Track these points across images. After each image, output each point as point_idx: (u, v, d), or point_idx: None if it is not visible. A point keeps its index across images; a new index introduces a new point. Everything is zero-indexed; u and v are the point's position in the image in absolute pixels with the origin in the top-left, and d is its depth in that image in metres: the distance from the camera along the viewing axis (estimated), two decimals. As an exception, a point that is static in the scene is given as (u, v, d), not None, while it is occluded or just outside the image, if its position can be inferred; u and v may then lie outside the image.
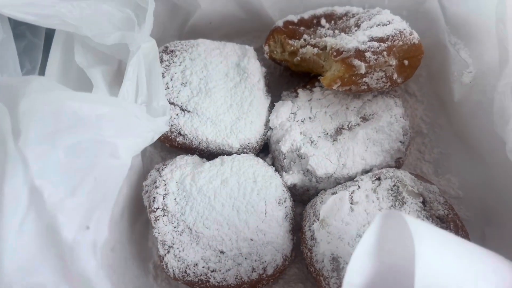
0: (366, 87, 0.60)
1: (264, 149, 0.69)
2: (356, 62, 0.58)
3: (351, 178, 0.61)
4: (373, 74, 0.59)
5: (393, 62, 0.59)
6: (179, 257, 0.56)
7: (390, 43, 0.59)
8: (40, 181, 0.42)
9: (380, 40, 0.59)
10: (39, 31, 0.61)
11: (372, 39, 0.59)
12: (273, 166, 0.65)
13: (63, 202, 0.43)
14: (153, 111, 0.59)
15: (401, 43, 0.60)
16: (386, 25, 0.62)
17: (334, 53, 0.60)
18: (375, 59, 0.58)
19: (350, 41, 0.60)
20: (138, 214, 0.65)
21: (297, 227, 0.62)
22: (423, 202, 0.56)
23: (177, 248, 0.57)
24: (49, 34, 0.63)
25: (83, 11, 0.55)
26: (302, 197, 0.65)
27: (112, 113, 0.48)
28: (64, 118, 0.45)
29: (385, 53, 0.58)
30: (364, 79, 0.59)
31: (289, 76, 0.77)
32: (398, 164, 0.63)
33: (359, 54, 0.58)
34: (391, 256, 0.38)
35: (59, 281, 0.42)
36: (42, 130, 0.43)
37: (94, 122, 0.46)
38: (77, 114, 0.45)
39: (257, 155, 0.67)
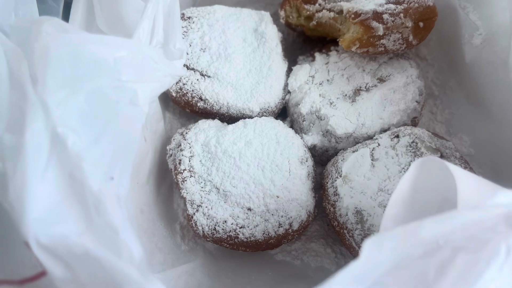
0: (383, 49, 0.62)
1: (282, 113, 0.71)
2: (374, 23, 0.59)
3: (369, 137, 0.63)
4: (390, 36, 0.61)
5: (409, 24, 0.61)
6: (208, 215, 0.58)
7: (406, 5, 0.61)
8: (62, 128, 0.40)
9: (397, 2, 0.61)
10: (57, -3, 0.61)
11: (389, 2, 0.61)
12: (292, 129, 0.67)
13: (87, 151, 0.41)
14: (170, 54, 0.58)
15: (416, 5, 0.61)
16: (401, -12, 0.63)
17: (352, 16, 0.61)
18: (393, 21, 0.59)
19: (367, 4, 0.61)
20: (163, 178, 0.66)
21: (317, 186, 0.64)
22: (441, 157, 0.58)
23: (206, 207, 0.59)
24: (68, 2, 0.63)
25: None
26: (321, 158, 0.67)
27: (130, 56, 0.47)
28: (81, 62, 0.43)
29: (401, 15, 0.60)
30: (381, 41, 0.61)
31: (302, 42, 0.78)
32: (414, 123, 0.65)
33: (377, 16, 0.60)
34: (428, 201, 0.40)
35: (83, 231, 0.39)
36: (60, 75, 0.41)
37: (112, 66, 0.45)
38: (95, 57, 0.44)
39: (275, 119, 0.68)
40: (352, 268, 0.31)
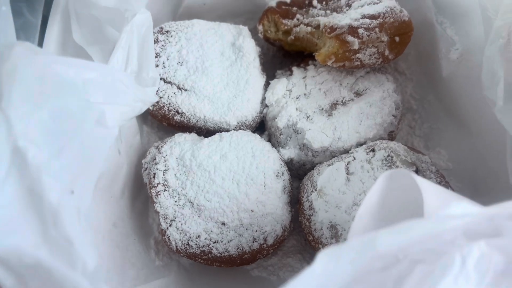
0: (359, 63, 0.62)
1: (259, 127, 0.71)
2: (350, 38, 0.60)
3: (346, 151, 0.63)
4: (366, 50, 0.61)
5: (385, 38, 0.61)
6: (182, 230, 0.57)
7: (381, 20, 0.61)
8: (23, 142, 0.40)
9: (372, 17, 0.61)
10: (36, 10, 0.61)
11: (364, 16, 0.61)
12: (270, 143, 0.66)
13: (47, 164, 0.41)
14: (142, 81, 0.58)
15: (392, 20, 0.62)
16: (376, 4, 0.64)
17: (328, 30, 0.61)
18: (368, 35, 0.60)
19: (343, 19, 0.62)
20: (138, 192, 0.66)
21: (294, 200, 0.64)
22: (416, 171, 0.58)
23: (179, 221, 0.58)
24: (46, 15, 0.63)
25: None
26: (298, 172, 0.67)
27: (99, 79, 0.47)
28: (49, 81, 0.44)
29: (377, 29, 0.60)
30: (357, 55, 0.61)
31: (282, 57, 0.78)
32: (390, 137, 0.65)
33: (352, 30, 0.60)
34: (396, 214, 0.40)
35: (38, 243, 0.39)
36: (26, 92, 0.42)
37: (80, 87, 0.45)
38: (63, 77, 0.44)
39: (253, 132, 0.68)
40: (307, 280, 0.31)
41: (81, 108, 0.45)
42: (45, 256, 0.37)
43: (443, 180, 0.58)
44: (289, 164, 0.66)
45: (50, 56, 0.46)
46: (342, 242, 0.54)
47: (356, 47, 0.60)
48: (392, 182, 0.41)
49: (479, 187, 0.66)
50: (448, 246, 0.36)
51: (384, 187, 0.41)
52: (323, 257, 0.34)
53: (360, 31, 0.60)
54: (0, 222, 0.37)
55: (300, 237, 0.65)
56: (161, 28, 0.69)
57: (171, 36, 0.68)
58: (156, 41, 0.67)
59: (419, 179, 0.38)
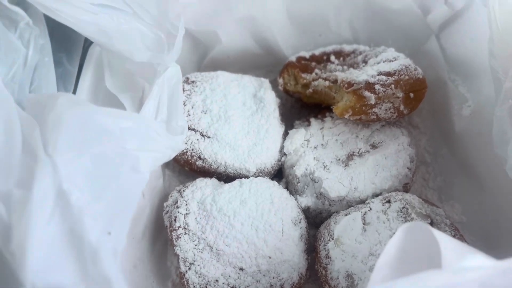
0: (375, 117, 0.65)
1: (277, 175, 0.73)
2: (366, 93, 0.63)
3: (362, 201, 0.65)
4: (381, 105, 0.64)
5: (400, 94, 0.64)
6: (200, 274, 0.59)
7: (397, 77, 0.64)
8: (68, 185, 0.43)
9: (388, 74, 0.65)
10: (74, 60, 0.66)
11: (380, 73, 0.65)
12: (287, 190, 0.68)
13: (88, 206, 0.45)
14: (172, 130, 0.61)
15: (407, 77, 0.65)
16: (392, 61, 0.68)
17: (346, 85, 0.65)
18: (384, 91, 0.63)
19: (360, 75, 0.65)
20: (158, 234, 0.67)
21: (311, 248, 0.65)
22: (431, 223, 0.59)
23: (198, 265, 0.59)
24: (83, 64, 0.68)
25: (120, 25, 0.58)
26: (315, 220, 0.69)
27: (134, 128, 0.51)
28: (90, 130, 0.47)
29: (392, 85, 0.64)
30: (373, 109, 0.64)
31: (300, 108, 0.82)
32: (405, 189, 0.67)
33: (369, 86, 0.63)
34: (414, 266, 0.41)
35: (78, 281, 0.42)
36: (70, 140, 0.45)
37: (118, 135, 0.49)
38: (102, 126, 0.48)
39: (271, 179, 0.70)
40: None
41: (118, 154, 0.48)
42: None
43: (457, 233, 0.59)
44: (306, 212, 0.67)
45: (90, 106, 0.49)
46: (358, 292, 0.55)
47: (372, 102, 0.63)
48: (410, 235, 0.42)
49: (492, 241, 0.67)
50: None
51: (402, 239, 0.42)
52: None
53: (377, 87, 0.63)
54: (42, 259, 0.40)
55: (316, 286, 0.66)
56: (187, 78, 0.74)
57: (196, 86, 0.72)
58: (182, 90, 0.71)
59: (436, 232, 0.40)
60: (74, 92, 0.64)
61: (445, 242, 0.39)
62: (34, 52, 0.59)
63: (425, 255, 0.42)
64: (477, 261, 0.36)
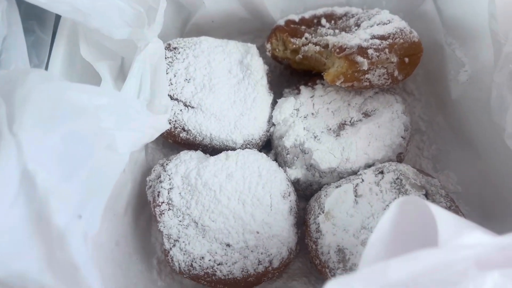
0: (368, 84, 0.61)
1: (266, 146, 0.70)
2: (359, 58, 0.59)
3: (354, 172, 0.62)
4: (375, 71, 0.60)
5: (394, 59, 0.61)
6: (185, 251, 0.56)
7: (391, 41, 0.61)
8: (33, 165, 0.41)
9: (382, 37, 0.61)
10: (47, 27, 0.61)
11: (374, 37, 0.61)
12: (276, 162, 0.65)
13: (56, 188, 0.42)
14: (155, 108, 0.59)
15: (402, 41, 0.61)
16: (386, 24, 0.63)
17: (337, 50, 0.61)
18: (377, 56, 0.59)
19: (352, 39, 0.61)
20: (141, 209, 0.65)
21: (300, 221, 0.62)
22: (426, 195, 0.57)
23: (183, 242, 0.57)
24: (56, 32, 0.63)
25: (95, 1, 0.54)
26: (305, 192, 0.66)
27: (111, 105, 0.48)
28: (61, 106, 0.44)
29: (386, 50, 0.60)
30: (366, 76, 0.60)
31: (289, 75, 0.78)
32: (399, 159, 0.64)
33: (362, 51, 0.59)
34: (409, 242, 0.39)
35: (44, 269, 0.39)
36: (38, 116, 0.43)
37: (92, 113, 0.46)
38: (75, 103, 0.45)
39: (259, 151, 0.67)
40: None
41: (92, 133, 0.45)
42: (50, 282, 0.37)
43: (453, 205, 0.57)
44: (296, 184, 0.65)
45: (63, 82, 0.46)
46: (349, 267, 0.53)
47: (365, 67, 0.59)
48: (405, 209, 0.40)
49: (487, 211, 0.65)
50: (460, 277, 0.35)
51: (396, 214, 0.40)
52: (332, 286, 0.33)
53: (370, 51, 0.59)
54: (5, 246, 0.37)
55: (306, 260, 0.64)
56: (169, 44, 0.69)
57: (179, 52, 0.68)
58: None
59: (433, 207, 0.37)
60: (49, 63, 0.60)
61: (442, 217, 0.37)
62: (1, 25, 0.54)
63: (420, 231, 0.40)
64: (474, 238, 0.34)
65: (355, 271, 0.52)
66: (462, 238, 0.34)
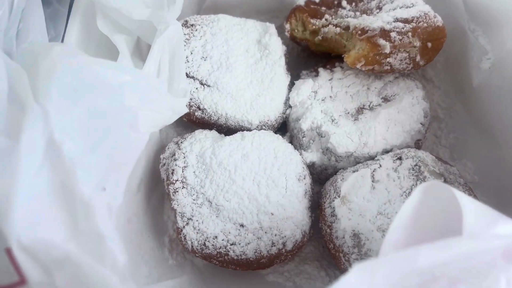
0: (389, 68, 0.60)
1: (281, 128, 0.69)
2: (381, 41, 0.58)
3: (371, 158, 0.61)
4: (397, 55, 0.59)
5: (417, 43, 0.59)
6: (199, 229, 0.56)
7: (415, 24, 0.59)
8: (60, 135, 0.40)
9: (405, 21, 0.59)
10: (64, -1, 0.60)
11: (397, 20, 0.60)
12: (291, 144, 0.64)
13: (81, 158, 0.41)
14: (174, 92, 0.58)
15: (425, 25, 0.60)
16: (410, 7, 0.62)
17: (359, 32, 0.59)
18: (400, 39, 0.58)
19: (374, 21, 0.60)
20: (154, 187, 0.64)
21: (314, 205, 0.62)
22: (444, 182, 0.56)
23: (197, 220, 0.56)
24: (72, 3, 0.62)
25: None
26: (320, 176, 0.65)
27: (135, 83, 0.47)
28: (86, 80, 0.44)
29: (410, 33, 0.58)
30: (387, 59, 0.59)
31: (307, 57, 0.77)
32: (417, 145, 0.63)
33: (384, 33, 0.58)
34: (431, 228, 0.38)
35: (68, 237, 0.39)
36: (64, 89, 0.42)
37: (116, 88, 0.45)
38: (100, 77, 0.44)
39: (275, 133, 0.66)
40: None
41: (116, 109, 0.44)
42: (74, 250, 0.37)
43: (471, 193, 0.56)
44: (311, 167, 0.64)
45: (87, 57, 0.45)
46: (364, 252, 0.53)
47: (387, 51, 0.58)
48: (429, 195, 0.39)
49: (505, 201, 0.64)
50: (488, 267, 0.34)
51: (419, 200, 0.39)
52: (358, 270, 0.32)
53: (393, 34, 0.58)
54: (30, 213, 0.37)
55: (318, 244, 0.64)
56: (186, 21, 0.68)
57: (196, 30, 0.67)
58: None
59: (459, 194, 0.37)
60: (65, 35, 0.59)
61: (469, 205, 0.36)
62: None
63: (443, 218, 0.39)
64: (506, 229, 0.33)
65: (370, 256, 0.52)
66: (496, 228, 0.33)
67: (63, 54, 0.44)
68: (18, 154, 0.38)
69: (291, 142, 0.66)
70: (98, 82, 0.43)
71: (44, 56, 0.44)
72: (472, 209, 0.36)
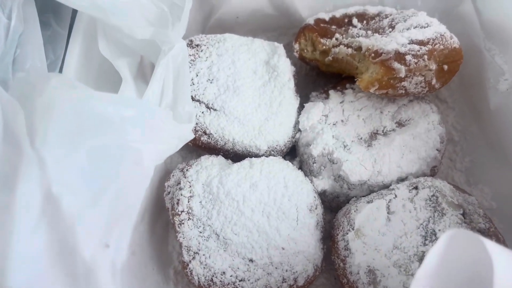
0: (403, 92, 0.58)
1: (289, 152, 0.66)
2: (396, 65, 0.55)
3: (385, 186, 0.58)
4: (412, 78, 0.56)
5: (433, 66, 0.57)
6: (206, 264, 0.53)
7: (431, 47, 0.56)
8: (58, 188, 0.37)
9: (421, 43, 0.57)
10: (64, 21, 0.57)
11: (412, 42, 0.57)
12: (301, 170, 0.62)
13: (82, 213, 0.38)
14: (179, 117, 0.55)
15: (442, 47, 0.57)
16: (425, 28, 0.59)
17: (373, 54, 0.57)
18: (416, 63, 0.55)
19: (388, 43, 0.57)
20: (158, 216, 0.62)
21: (326, 235, 0.59)
22: (463, 214, 0.53)
23: (203, 255, 0.53)
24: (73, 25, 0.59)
25: None
26: (331, 204, 0.63)
27: (137, 117, 0.44)
28: (86, 118, 0.41)
29: (425, 56, 0.56)
30: (402, 83, 0.56)
31: (316, 76, 0.74)
32: (433, 172, 0.60)
33: (399, 56, 0.55)
34: (457, 278, 0.36)
35: None
36: (62, 130, 0.39)
37: (118, 125, 0.42)
38: (101, 114, 0.41)
39: (283, 158, 0.63)
40: None
41: (119, 147, 0.41)
42: None
43: (492, 226, 0.53)
44: (322, 195, 0.61)
45: (86, 90, 0.42)
46: (381, 290, 0.50)
47: (402, 75, 0.55)
48: (455, 243, 0.36)
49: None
50: None
51: (445, 247, 0.36)
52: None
53: (408, 58, 0.55)
54: (26, 278, 0.34)
55: (330, 276, 0.61)
56: (191, 41, 0.65)
57: (201, 50, 0.64)
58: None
59: (489, 244, 0.34)
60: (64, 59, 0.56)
61: (501, 257, 0.33)
62: (18, 21, 0.50)
63: (471, 268, 0.36)
64: None
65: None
66: None
67: (62, 87, 0.41)
68: (13, 211, 0.35)
69: (300, 167, 0.64)
70: (98, 121, 0.40)
71: (41, 89, 0.41)
72: (503, 260, 0.34)
